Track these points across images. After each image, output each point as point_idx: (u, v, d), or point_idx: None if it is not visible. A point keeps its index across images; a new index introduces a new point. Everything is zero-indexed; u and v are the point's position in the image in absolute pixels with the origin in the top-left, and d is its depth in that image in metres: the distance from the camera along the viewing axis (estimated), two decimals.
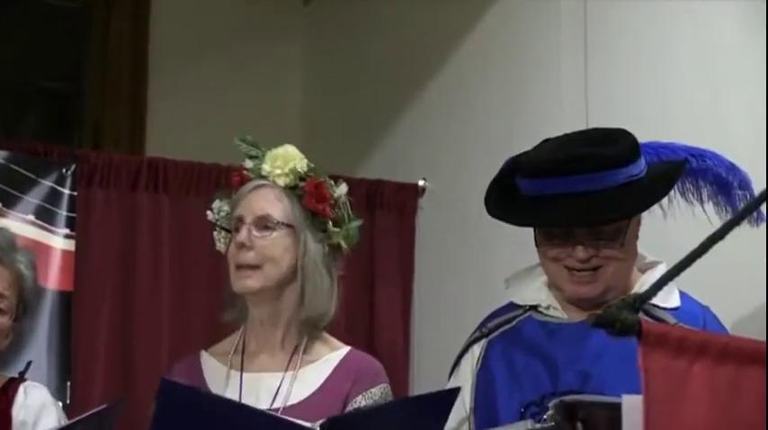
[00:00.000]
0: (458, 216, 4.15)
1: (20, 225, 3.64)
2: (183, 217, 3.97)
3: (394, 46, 4.68)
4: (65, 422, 2.69)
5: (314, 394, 2.58)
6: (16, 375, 2.79)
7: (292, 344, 2.64)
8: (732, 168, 2.71)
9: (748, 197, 2.68)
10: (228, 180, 2.76)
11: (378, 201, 4.33)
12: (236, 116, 4.78)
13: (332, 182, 2.68)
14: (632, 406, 1.57)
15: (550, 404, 1.95)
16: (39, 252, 3.50)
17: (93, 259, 3.86)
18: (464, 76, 4.27)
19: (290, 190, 2.63)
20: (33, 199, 3.75)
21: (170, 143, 4.62)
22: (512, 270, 2.72)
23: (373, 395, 2.59)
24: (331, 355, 2.65)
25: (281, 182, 2.63)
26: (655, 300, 2.31)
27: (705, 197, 2.71)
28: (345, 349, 2.67)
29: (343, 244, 2.66)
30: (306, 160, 2.66)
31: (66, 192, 3.80)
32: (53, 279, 3.72)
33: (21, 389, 2.73)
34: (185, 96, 4.97)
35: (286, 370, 2.61)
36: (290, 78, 5.24)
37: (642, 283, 2.52)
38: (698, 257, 1.53)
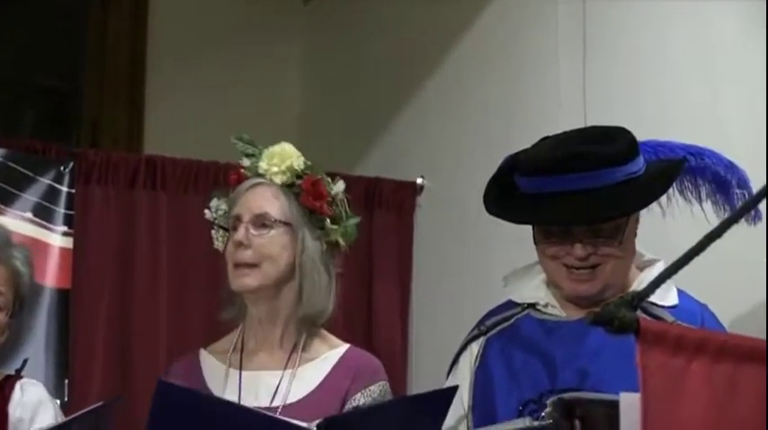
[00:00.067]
0: (456, 214, 4.15)
1: (18, 222, 3.64)
2: (181, 215, 3.97)
3: (392, 45, 4.68)
4: (61, 419, 2.69)
5: (313, 392, 2.58)
6: (13, 372, 2.78)
7: (291, 342, 2.64)
8: (730, 167, 2.71)
9: (746, 196, 2.68)
10: (226, 178, 2.76)
11: (376, 199, 4.33)
12: (235, 114, 4.78)
13: (329, 179, 2.68)
14: (630, 403, 1.57)
15: (548, 401, 1.95)
16: (37, 249, 3.50)
17: (91, 257, 3.86)
18: (462, 75, 4.27)
19: (288, 188, 2.63)
20: (31, 196, 3.75)
21: (168, 141, 4.62)
22: (510, 268, 2.72)
23: (372, 393, 2.59)
24: (330, 353, 2.65)
25: (278, 180, 2.63)
26: (653, 298, 2.33)
27: (704, 196, 2.71)
28: (344, 347, 2.67)
29: (341, 241, 2.66)
30: (303, 158, 2.66)
31: (64, 189, 3.80)
32: (51, 276, 3.71)
33: (17, 386, 2.73)
34: (184, 94, 4.96)
35: (285, 368, 2.62)
36: (289, 77, 5.24)
37: (640, 281, 2.52)
38: (696, 255, 1.53)
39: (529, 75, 3.95)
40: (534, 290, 2.59)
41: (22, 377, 2.77)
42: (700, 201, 2.72)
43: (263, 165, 2.64)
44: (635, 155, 2.48)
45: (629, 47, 3.60)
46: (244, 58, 5.11)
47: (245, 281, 2.60)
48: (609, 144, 2.45)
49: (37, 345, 3.64)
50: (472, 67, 4.22)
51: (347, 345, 2.68)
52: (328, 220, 2.64)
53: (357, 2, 4.96)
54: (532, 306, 2.59)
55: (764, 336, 1.59)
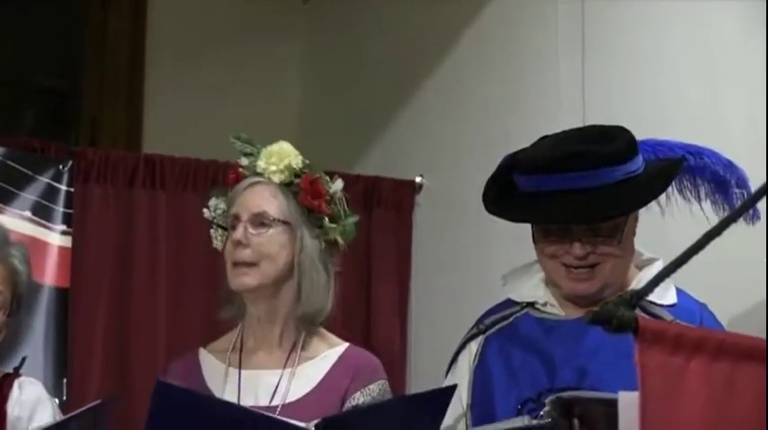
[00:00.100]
0: (455, 213, 4.15)
1: (17, 221, 3.64)
2: (180, 213, 3.97)
3: (392, 44, 4.68)
4: (60, 417, 2.69)
5: (312, 391, 2.58)
6: (11, 370, 2.78)
7: (290, 341, 2.64)
8: (730, 166, 2.70)
9: (745, 195, 2.68)
10: (225, 177, 2.76)
11: (375, 197, 4.33)
12: (234, 113, 4.78)
13: (327, 178, 2.68)
14: (629, 402, 1.57)
15: (547, 400, 1.95)
16: (35, 248, 3.50)
17: (89, 255, 3.86)
18: (461, 74, 4.27)
19: (286, 186, 2.63)
20: (30, 195, 3.75)
21: (167, 140, 4.61)
22: (509, 267, 2.72)
23: (371, 392, 2.59)
24: (329, 352, 2.65)
25: (277, 178, 2.63)
26: (651, 297, 2.33)
27: (703, 195, 2.71)
28: (343, 345, 2.67)
29: (339, 240, 2.66)
30: (301, 156, 2.66)
31: (63, 188, 3.80)
32: (50, 275, 3.71)
33: (15, 384, 2.73)
34: (183, 93, 4.96)
35: (284, 367, 2.61)
36: (288, 76, 5.24)
37: (639, 280, 2.52)
38: (694, 254, 1.53)
39: (528, 74, 3.95)
40: (533, 289, 2.59)
41: (20, 375, 2.76)
42: (699, 200, 2.71)
43: (261, 164, 2.64)
44: (634, 154, 2.48)
45: (628, 46, 3.60)
46: (243, 57, 5.10)
47: (243, 280, 2.60)
48: (608, 143, 2.45)
49: (36, 344, 3.64)
50: (472, 67, 4.22)
51: (346, 344, 2.68)
52: (327, 219, 2.64)
53: (357, 1, 4.96)
54: (531, 305, 2.59)
55: (763, 335, 1.59)
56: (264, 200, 2.62)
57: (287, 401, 2.56)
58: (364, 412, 2.39)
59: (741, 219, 2.54)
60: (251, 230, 2.60)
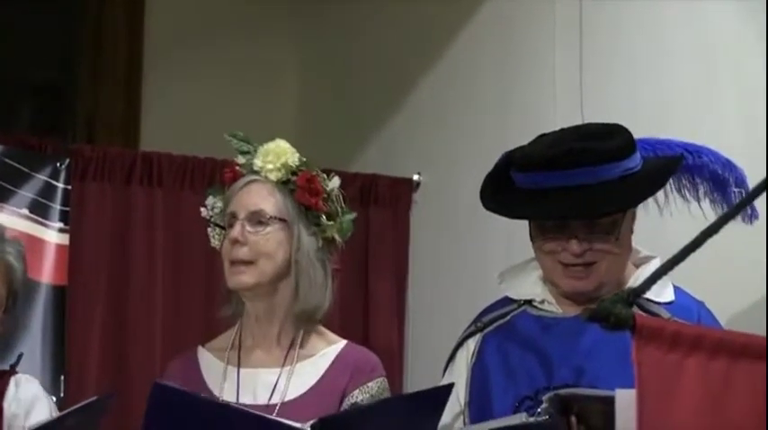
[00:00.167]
0: (452, 210, 4.15)
1: (14, 219, 3.63)
2: (177, 211, 3.96)
3: (389, 42, 4.67)
4: (56, 414, 2.69)
5: (311, 389, 2.58)
6: (7, 367, 2.78)
7: (288, 339, 2.64)
8: (728, 165, 2.70)
9: (744, 194, 2.68)
10: (222, 175, 2.76)
11: (372, 195, 4.33)
12: (231, 110, 4.77)
13: (324, 175, 2.68)
14: (626, 400, 1.57)
15: (544, 398, 1.95)
16: (33, 246, 3.50)
17: (87, 253, 3.85)
18: (458, 72, 4.26)
19: (283, 184, 2.63)
20: (27, 193, 3.74)
21: (164, 137, 4.61)
22: (506, 264, 2.72)
23: (370, 389, 2.59)
24: (328, 350, 2.64)
25: (273, 176, 2.62)
26: (649, 295, 2.33)
27: (701, 194, 2.71)
28: (342, 343, 2.67)
29: (336, 237, 2.66)
30: (297, 154, 2.65)
31: (61, 185, 3.79)
32: (47, 273, 3.71)
33: (12, 381, 2.73)
34: (180, 91, 4.95)
35: (283, 365, 2.61)
36: (286, 73, 5.23)
37: (636, 278, 2.52)
38: (692, 251, 1.53)
39: (525, 71, 3.95)
40: (530, 286, 2.59)
41: (16, 372, 2.76)
42: (698, 199, 2.71)
43: (257, 162, 2.64)
44: (632, 151, 2.48)
45: (626, 45, 3.60)
46: (241, 55, 5.10)
47: (241, 278, 2.60)
48: (606, 140, 2.45)
49: (33, 342, 3.63)
50: (469, 65, 4.22)
51: (344, 341, 2.68)
52: (324, 217, 2.64)
53: None
54: (529, 302, 2.59)
55: (761, 333, 1.59)
56: (261, 198, 2.62)
57: (285, 400, 2.56)
58: (361, 412, 2.39)
59: (739, 218, 2.56)
60: (248, 228, 2.59)
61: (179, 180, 4.01)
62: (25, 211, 3.72)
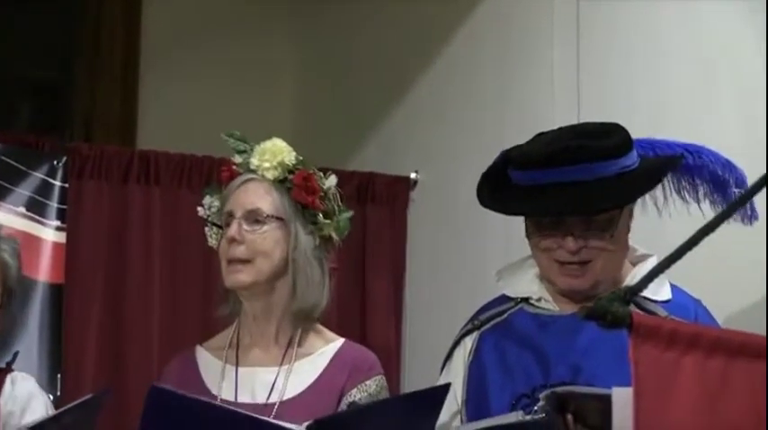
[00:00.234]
0: (450, 209, 4.15)
1: (11, 217, 3.63)
2: (174, 209, 3.96)
3: (387, 40, 4.67)
4: (52, 412, 2.68)
5: (309, 388, 2.58)
6: (3, 365, 2.78)
7: (286, 338, 2.64)
8: (728, 166, 2.70)
9: None
10: (219, 174, 2.76)
11: (369, 193, 4.33)
12: (229, 109, 4.77)
13: (321, 174, 2.68)
14: (623, 398, 1.57)
15: (541, 395, 1.95)
16: (29, 244, 3.49)
17: (84, 251, 3.85)
18: (456, 70, 4.26)
19: (279, 183, 2.63)
20: (24, 191, 3.74)
21: (162, 136, 4.60)
22: (503, 262, 2.72)
23: (368, 387, 2.59)
24: (326, 348, 2.64)
25: (270, 175, 2.62)
26: (646, 293, 2.31)
27: (701, 195, 2.70)
28: (340, 341, 2.67)
29: (334, 235, 2.66)
30: (294, 153, 2.65)
31: (58, 184, 3.78)
32: (44, 271, 3.70)
33: (8, 379, 2.72)
34: (177, 89, 4.95)
35: (281, 364, 2.61)
36: (283, 72, 5.23)
37: (633, 276, 2.52)
38: (689, 250, 1.52)
39: (523, 70, 3.95)
40: (527, 284, 2.59)
41: (12, 370, 2.76)
42: (697, 200, 2.71)
43: (254, 161, 2.64)
44: (629, 149, 2.48)
45: (624, 44, 3.59)
46: (238, 53, 5.10)
47: (238, 277, 2.60)
48: (603, 138, 2.46)
49: (30, 341, 3.63)
50: (466, 63, 4.21)
51: (342, 340, 2.68)
52: (321, 215, 2.64)
53: None
54: (526, 300, 2.59)
55: (760, 333, 1.59)
56: (258, 197, 2.62)
57: (284, 398, 2.56)
58: (358, 412, 2.38)
59: (739, 219, 2.56)
60: (245, 227, 2.59)
61: (176, 178, 4.01)
62: (22, 209, 3.71)
